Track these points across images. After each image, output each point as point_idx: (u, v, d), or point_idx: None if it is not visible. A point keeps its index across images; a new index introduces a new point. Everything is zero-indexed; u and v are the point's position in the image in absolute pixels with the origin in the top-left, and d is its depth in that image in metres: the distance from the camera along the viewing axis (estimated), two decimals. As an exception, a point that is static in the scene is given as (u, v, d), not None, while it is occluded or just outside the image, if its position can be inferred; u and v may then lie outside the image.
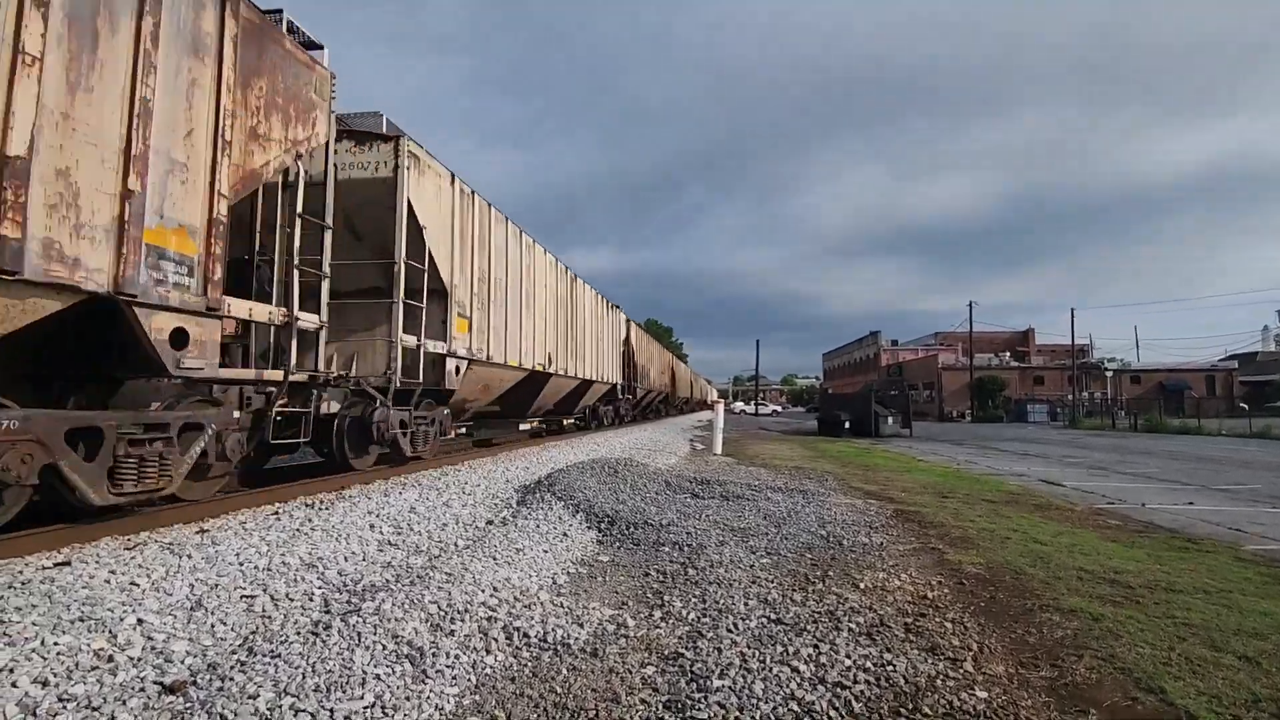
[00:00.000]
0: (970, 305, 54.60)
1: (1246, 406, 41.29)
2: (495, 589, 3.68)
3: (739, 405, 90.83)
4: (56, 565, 3.45)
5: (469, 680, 2.68)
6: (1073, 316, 52.37)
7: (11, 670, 2.37)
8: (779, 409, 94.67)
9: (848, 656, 2.92)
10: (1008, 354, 68.68)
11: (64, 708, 2.22)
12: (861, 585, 4.13)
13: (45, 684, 2.34)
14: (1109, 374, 53.65)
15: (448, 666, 2.74)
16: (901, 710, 2.49)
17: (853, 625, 3.35)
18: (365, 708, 2.36)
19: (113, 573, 3.33)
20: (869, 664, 2.85)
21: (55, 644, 2.58)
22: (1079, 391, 50.87)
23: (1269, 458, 16.11)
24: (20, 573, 3.29)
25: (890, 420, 26.53)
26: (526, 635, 3.15)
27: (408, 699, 2.45)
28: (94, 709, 2.24)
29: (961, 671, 2.83)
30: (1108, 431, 32.43)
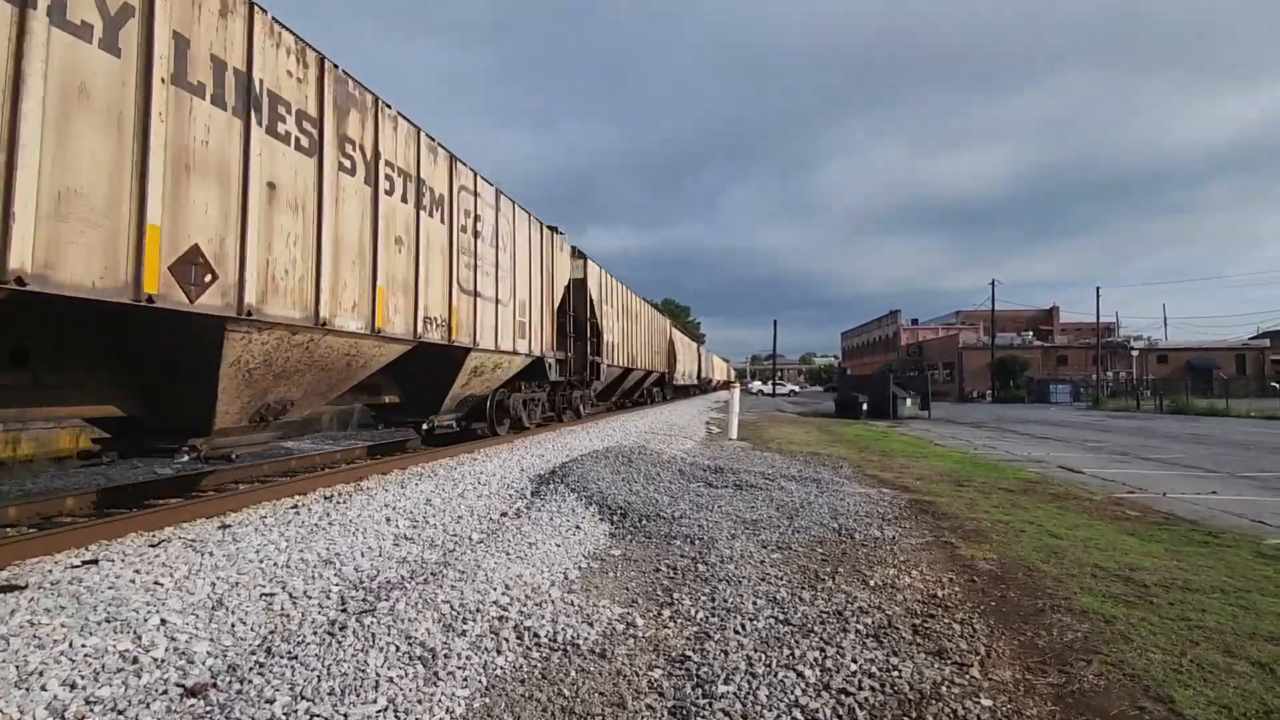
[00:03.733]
0: (993, 283, 53.71)
1: (1278, 386, 40.31)
2: (507, 586, 3.74)
3: (756, 385, 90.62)
4: (85, 564, 3.57)
5: (479, 682, 2.74)
6: (1098, 295, 51.34)
7: (41, 673, 2.47)
8: (796, 389, 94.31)
9: (854, 661, 2.94)
10: (1030, 333, 67.58)
11: (91, 710, 2.32)
12: (871, 583, 4.14)
13: (73, 687, 2.43)
14: (1135, 353, 52.59)
15: (459, 668, 2.80)
16: (905, 719, 2.50)
17: (860, 626, 3.37)
18: (378, 711, 2.43)
19: (137, 572, 3.44)
20: (874, 669, 2.87)
21: (83, 645, 2.68)
22: (1104, 371, 50.02)
23: (1298, 442, 15.76)
24: (50, 572, 3.41)
25: (909, 402, 26.32)
26: (537, 635, 3.21)
27: (419, 702, 2.52)
28: (119, 712, 2.33)
29: (968, 677, 2.84)
30: (1132, 413, 31.90)
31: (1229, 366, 54.50)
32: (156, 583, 3.35)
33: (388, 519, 4.99)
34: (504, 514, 5.75)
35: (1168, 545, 5.30)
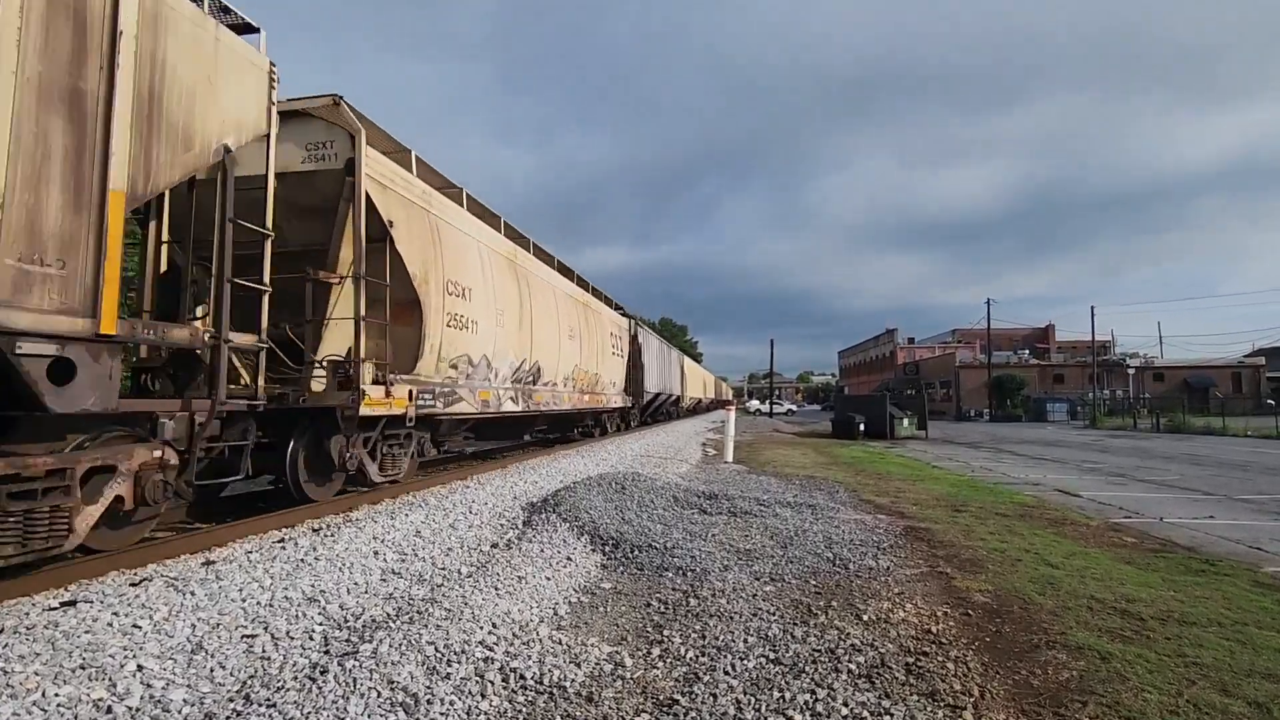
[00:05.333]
0: (988, 302, 53.97)
1: (1275, 403, 40.38)
2: (494, 624, 3.68)
3: (754, 403, 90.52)
4: (62, 605, 3.50)
5: (462, 730, 2.68)
6: (1093, 314, 51.67)
7: (10, 726, 2.40)
8: (794, 407, 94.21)
9: (845, 705, 2.89)
10: (1026, 351, 67.78)
11: (60, 766, 2.25)
12: (865, 617, 4.09)
13: (43, 740, 2.37)
14: (1131, 371, 52.71)
15: (441, 715, 2.74)
16: (896, 767, 2.45)
17: (853, 666, 3.31)
18: (356, 764, 2.36)
19: (116, 614, 3.38)
20: (866, 713, 2.82)
21: (56, 695, 2.62)
22: (1100, 389, 50.08)
23: (1295, 461, 15.74)
24: (26, 615, 3.34)
25: (906, 422, 26.30)
26: (523, 677, 3.15)
27: (399, 754, 2.46)
28: (89, 768, 2.26)
29: (960, 721, 2.78)
30: (1129, 432, 31.89)
31: (1225, 384, 54.63)
32: (135, 625, 3.29)
33: (375, 552, 4.93)
34: (494, 545, 5.68)
35: (1165, 574, 5.25)
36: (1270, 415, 31.03)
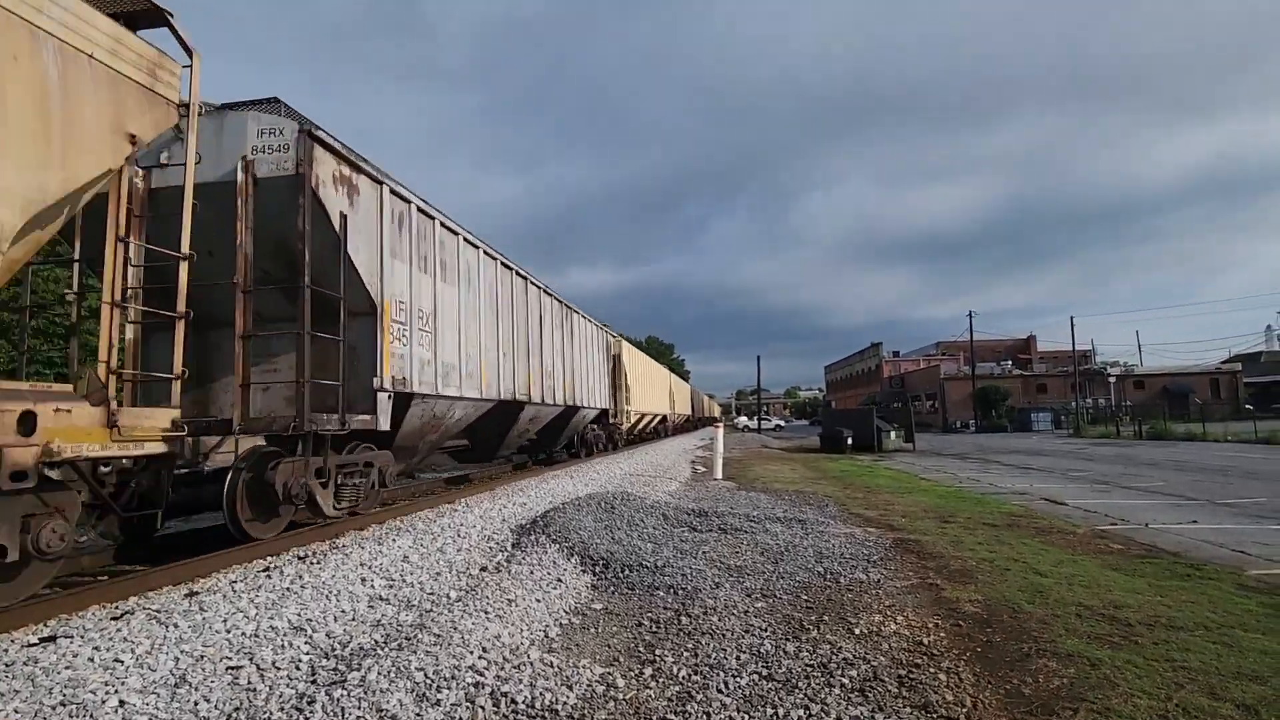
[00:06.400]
0: (970, 314, 54.59)
1: (1253, 408, 41.08)
2: (484, 649, 3.64)
3: (743, 420, 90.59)
4: (42, 641, 3.43)
5: (453, 758, 2.64)
6: (1072, 324, 52.40)
7: (-13, 767, 2.34)
8: (782, 423, 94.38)
9: (839, 719, 2.88)
10: (1009, 362, 68.54)
11: (38, 808, 2.20)
12: (856, 631, 4.09)
13: (21, 781, 2.31)
14: (1112, 380, 53.42)
15: (432, 742, 2.70)
16: (891, 781, 2.44)
17: (845, 680, 3.31)
18: (345, 795, 2.32)
19: (97, 648, 3.31)
20: (859, 727, 2.81)
21: (34, 734, 2.56)
22: (1083, 398, 50.67)
23: (1274, 466, 15.98)
24: (5, 652, 3.27)
25: (893, 434, 26.43)
26: (514, 701, 3.11)
27: (389, 783, 2.42)
28: (69, 808, 2.21)
29: (954, 732, 2.79)
30: (1112, 440, 32.24)
31: (1204, 390, 55.48)
32: (117, 660, 3.22)
33: (363, 579, 4.87)
34: (483, 568, 5.63)
35: (1151, 580, 5.30)
36: (1249, 420, 31.55)
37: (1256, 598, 4.75)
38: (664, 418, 31.67)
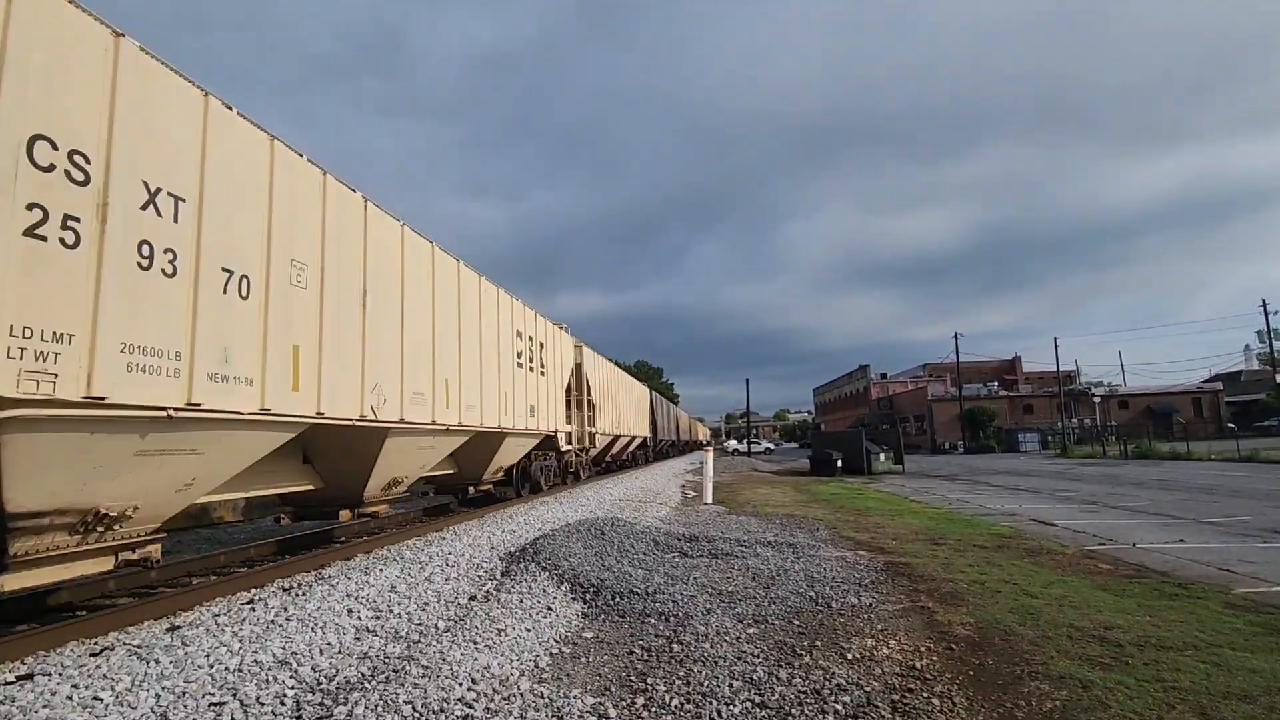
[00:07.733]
0: (956, 336, 55.17)
1: (1235, 427, 41.60)
2: (474, 681, 3.59)
3: (732, 443, 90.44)
4: (20, 679, 3.34)
5: (442, 793, 2.59)
6: (1056, 346, 53.09)
7: (-41, 813, 2.27)
8: (772, 446, 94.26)
9: (832, 746, 2.86)
10: (995, 383, 69.07)
11: None
12: (849, 656, 4.07)
13: (-6, 826, 2.24)
14: (1097, 400, 53.97)
15: (420, 778, 2.65)
16: (886, 809, 2.42)
17: (839, 706, 3.29)
18: (331, 835, 2.27)
19: (75, 686, 3.23)
20: (853, 754, 2.79)
21: (9, 776, 2.49)
22: (1068, 418, 51.08)
23: (1257, 485, 16.16)
24: (-22, 691, 3.18)
25: (883, 457, 26.48)
26: (504, 734, 3.06)
27: (376, 821, 2.37)
28: None
29: (948, 758, 2.77)
30: (1099, 460, 32.47)
31: (1187, 410, 56.11)
32: (96, 698, 3.15)
33: (349, 610, 4.79)
34: (472, 597, 5.56)
35: (1140, 600, 5.32)
36: (1231, 439, 31.92)
37: (1244, 616, 4.78)
38: (643, 441, 28.63)
